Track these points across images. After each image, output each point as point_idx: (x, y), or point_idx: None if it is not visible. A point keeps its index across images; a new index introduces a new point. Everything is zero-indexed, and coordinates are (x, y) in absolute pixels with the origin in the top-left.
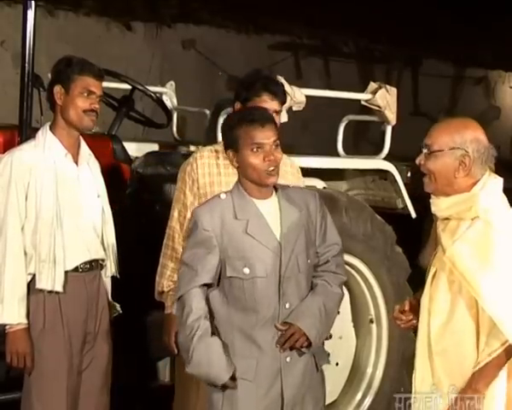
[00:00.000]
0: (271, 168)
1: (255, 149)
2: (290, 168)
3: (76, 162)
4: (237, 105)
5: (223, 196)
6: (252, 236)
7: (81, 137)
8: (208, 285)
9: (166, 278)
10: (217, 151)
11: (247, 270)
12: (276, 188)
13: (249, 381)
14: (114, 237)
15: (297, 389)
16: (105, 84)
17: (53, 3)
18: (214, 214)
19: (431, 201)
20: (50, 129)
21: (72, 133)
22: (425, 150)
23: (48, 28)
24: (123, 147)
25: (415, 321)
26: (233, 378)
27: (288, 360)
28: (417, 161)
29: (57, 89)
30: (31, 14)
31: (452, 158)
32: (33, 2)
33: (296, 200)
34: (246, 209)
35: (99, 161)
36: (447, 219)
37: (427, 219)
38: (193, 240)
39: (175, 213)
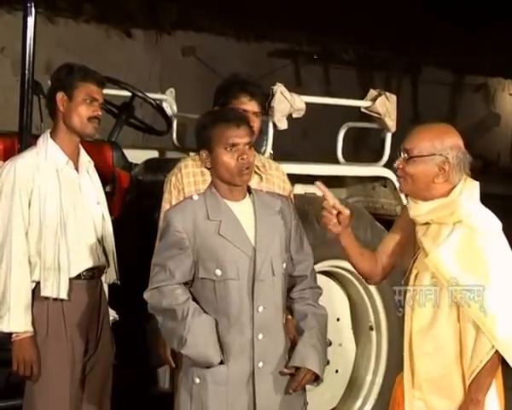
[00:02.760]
0: (244, 168)
1: (229, 149)
2: (276, 172)
3: (76, 169)
4: None
5: (195, 197)
6: (224, 237)
7: (80, 145)
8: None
9: None
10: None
11: (218, 271)
12: (250, 191)
13: (220, 386)
14: (114, 243)
15: (270, 394)
16: (105, 91)
17: (53, 10)
18: (186, 215)
19: (408, 205)
20: (51, 136)
21: (74, 140)
22: (404, 155)
23: (48, 35)
24: (123, 154)
25: (340, 229)
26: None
27: (260, 365)
28: (395, 165)
29: (60, 96)
30: (31, 21)
31: (432, 164)
32: (33, 10)
33: (270, 203)
34: (218, 210)
35: (99, 167)
36: (427, 223)
37: None
38: (165, 242)
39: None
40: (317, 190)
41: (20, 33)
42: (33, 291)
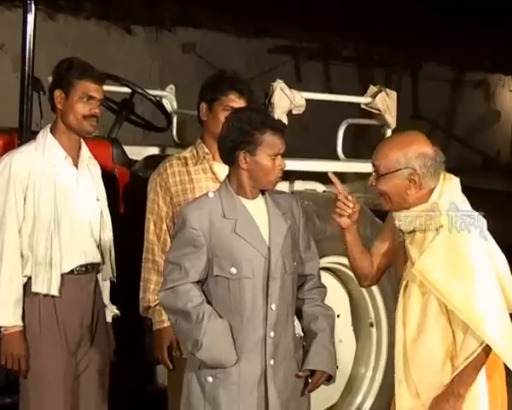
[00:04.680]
0: (280, 175)
1: (273, 157)
2: None
3: (76, 165)
4: (203, 106)
5: (211, 194)
6: (240, 235)
7: (82, 140)
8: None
9: (151, 293)
10: (185, 158)
11: (234, 270)
12: (262, 190)
13: (232, 384)
14: (112, 240)
15: (282, 391)
16: (105, 87)
17: (53, 7)
18: (203, 213)
19: (393, 215)
20: (51, 131)
21: (73, 137)
22: (374, 173)
23: (48, 32)
24: (123, 150)
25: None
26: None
27: (271, 362)
28: (369, 183)
29: (57, 93)
30: (31, 17)
31: (401, 178)
32: (33, 6)
33: (281, 202)
34: (234, 208)
35: (98, 164)
36: (413, 231)
37: None
38: (181, 239)
39: (151, 226)
40: (334, 184)
41: (20, 30)
42: (25, 286)
